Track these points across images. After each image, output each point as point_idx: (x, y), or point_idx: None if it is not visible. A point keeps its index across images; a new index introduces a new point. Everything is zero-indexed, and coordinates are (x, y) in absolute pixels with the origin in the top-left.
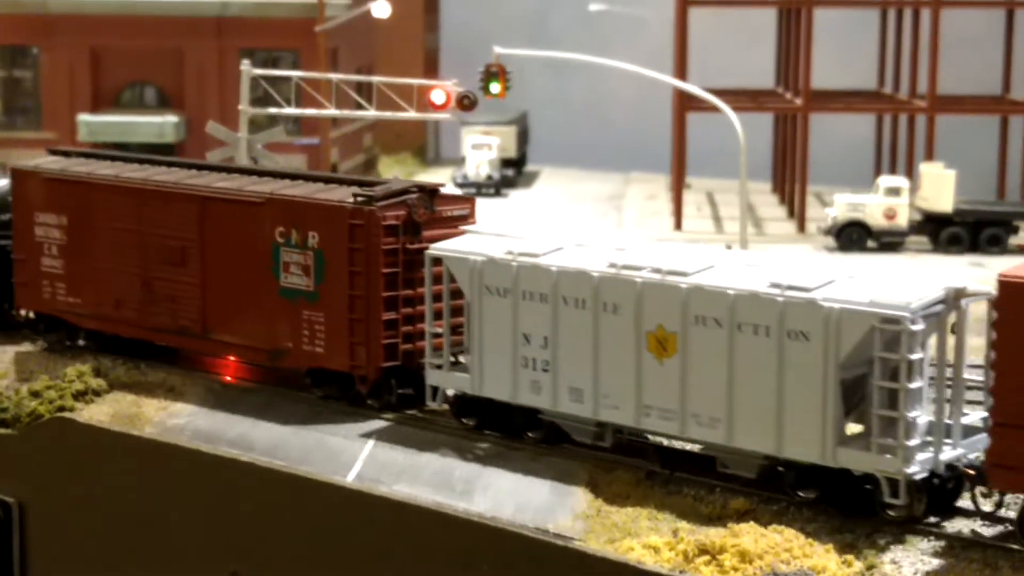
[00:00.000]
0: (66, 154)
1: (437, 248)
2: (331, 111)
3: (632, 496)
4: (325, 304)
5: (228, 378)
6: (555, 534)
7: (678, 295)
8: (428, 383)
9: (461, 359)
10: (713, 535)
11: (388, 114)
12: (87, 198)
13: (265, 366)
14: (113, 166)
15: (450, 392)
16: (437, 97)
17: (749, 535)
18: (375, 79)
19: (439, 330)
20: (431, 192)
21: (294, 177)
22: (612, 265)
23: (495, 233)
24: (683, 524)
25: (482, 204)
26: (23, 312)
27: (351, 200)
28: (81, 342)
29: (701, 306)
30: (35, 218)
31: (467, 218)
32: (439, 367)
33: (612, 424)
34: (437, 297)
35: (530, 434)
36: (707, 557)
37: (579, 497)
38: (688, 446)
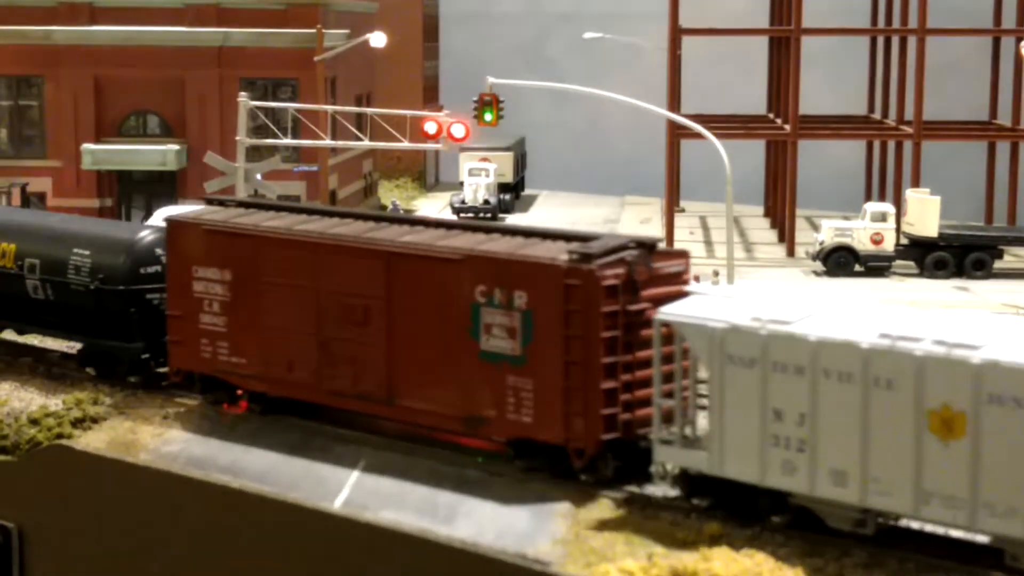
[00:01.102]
0: (222, 203)
1: (668, 312)
2: (327, 141)
3: (610, 521)
4: (534, 369)
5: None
6: (533, 559)
7: (968, 371)
8: (656, 460)
9: (687, 432)
10: (686, 559)
11: (382, 144)
12: (255, 252)
13: (458, 436)
14: (280, 217)
15: (675, 468)
16: (429, 128)
17: (721, 559)
18: (369, 110)
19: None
20: (649, 248)
21: (487, 230)
22: (885, 336)
23: (724, 294)
24: (658, 548)
25: None
26: (173, 370)
27: (565, 257)
28: (247, 404)
29: (997, 384)
30: (194, 272)
31: (682, 275)
32: (669, 442)
33: (880, 511)
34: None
35: (775, 518)
36: None
37: (559, 523)
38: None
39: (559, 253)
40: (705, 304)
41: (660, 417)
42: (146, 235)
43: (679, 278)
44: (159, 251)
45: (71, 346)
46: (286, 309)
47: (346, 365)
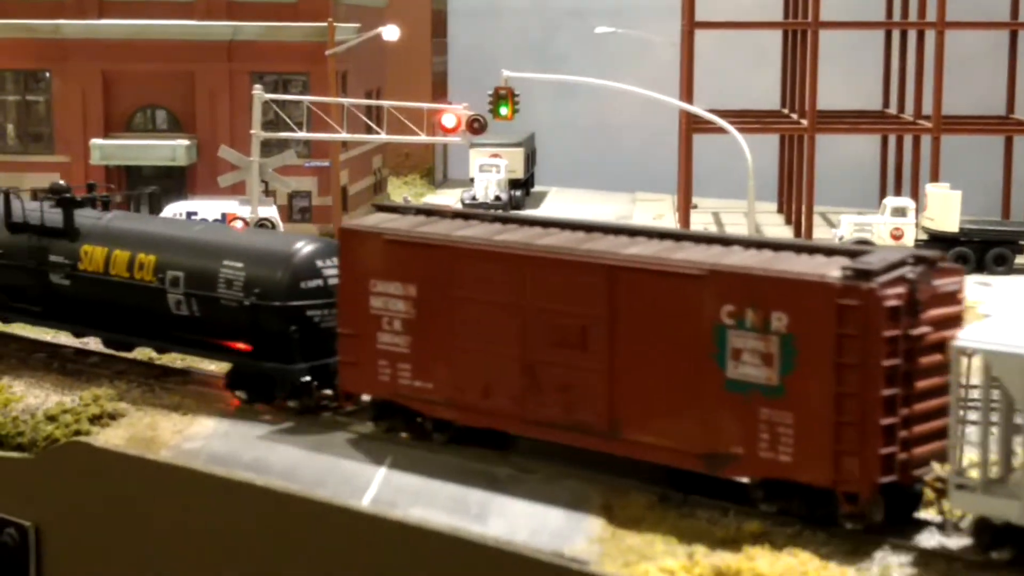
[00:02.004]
0: (396, 210)
1: (974, 339)
2: (342, 135)
3: (647, 520)
4: (795, 401)
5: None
6: (570, 558)
7: None
8: (953, 507)
9: (991, 476)
10: (728, 558)
11: (399, 137)
12: (448, 265)
13: (696, 473)
14: (471, 226)
15: (969, 516)
16: (448, 121)
17: (764, 558)
18: (385, 103)
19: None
20: (930, 263)
21: (725, 242)
22: None
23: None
24: (698, 547)
25: None
26: (343, 395)
27: (837, 274)
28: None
29: None
30: (371, 287)
31: (958, 293)
32: (966, 487)
33: None
34: (932, 392)
35: None
36: None
37: (594, 521)
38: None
39: (828, 269)
40: (1009, 329)
41: (958, 459)
42: (305, 246)
43: (955, 297)
44: (319, 263)
45: (84, 342)
46: (484, 328)
47: (557, 392)
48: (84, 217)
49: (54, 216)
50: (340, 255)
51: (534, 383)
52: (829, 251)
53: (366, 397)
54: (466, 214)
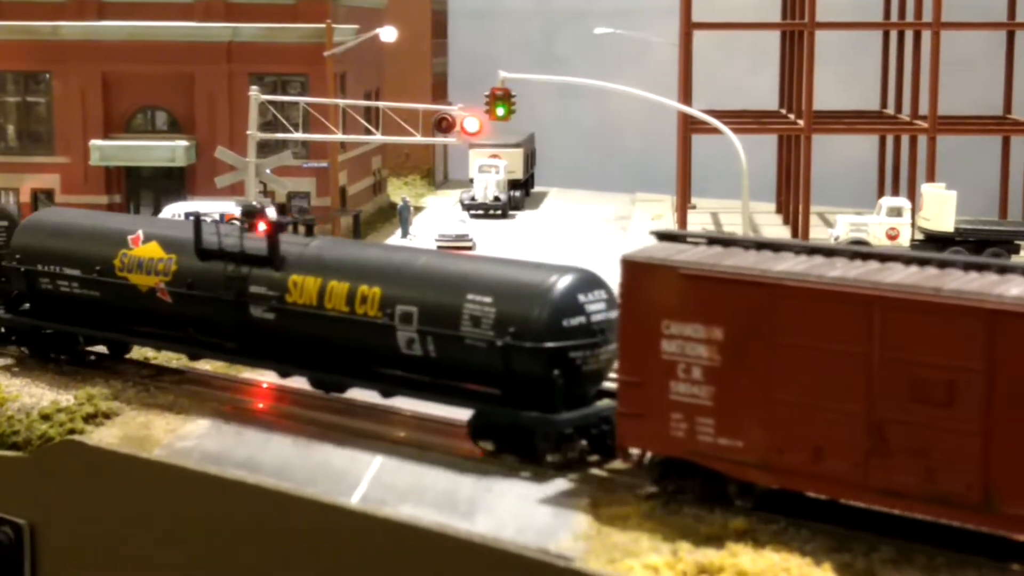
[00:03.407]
0: (677, 239)
1: None
2: (339, 136)
3: (633, 517)
4: None
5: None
6: (555, 554)
7: None
8: None
9: None
10: (712, 555)
11: (395, 138)
12: (766, 305)
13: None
14: (783, 258)
15: None
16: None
17: (747, 555)
18: (381, 104)
19: None
20: None
21: None
22: None
23: None
24: (683, 544)
25: (490, 225)
26: (623, 450)
27: None
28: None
29: None
30: (663, 329)
31: None
32: None
33: None
34: None
35: None
36: None
37: (580, 518)
38: None
39: None
40: None
41: None
42: (563, 278)
43: None
44: (581, 297)
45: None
46: (815, 380)
47: (911, 456)
48: (288, 243)
49: (256, 242)
50: (622, 290)
51: (882, 445)
52: None
53: (638, 451)
54: (773, 244)
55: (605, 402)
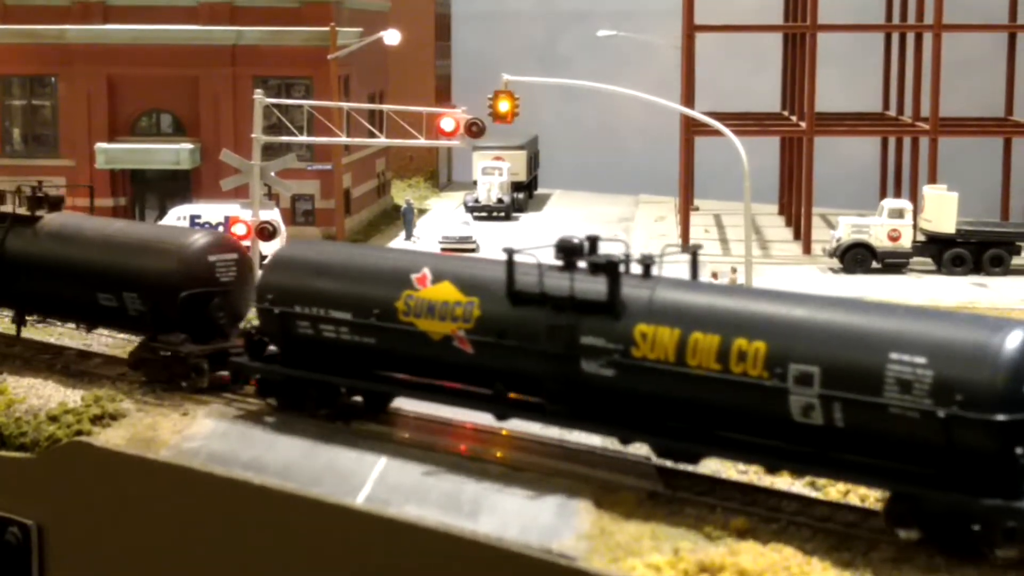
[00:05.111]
0: None
1: None
2: (342, 139)
3: (636, 516)
4: None
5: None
6: (558, 554)
7: None
8: None
9: None
10: (713, 554)
11: (398, 141)
12: None
13: None
14: None
15: None
16: (446, 125)
17: (748, 554)
18: (385, 107)
19: None
20: None
21: None
22: None
23: None
24: (684, 543)
25: (493, 227)
26: None
27: None
28: None
29: None
30: None
31: None
32: None
33: None
34: None
35: None
36: (707, 575)
37: (583, 517)
38: (691, 468)
39: None
40: None
41: None
42: (1015, 334)
43: None
44: None
45: (87, 344)
46: None
47: None
48: (629, 286)
49: (589, 284)
50: None
51: None
52: None
53: None
54: None
55: None
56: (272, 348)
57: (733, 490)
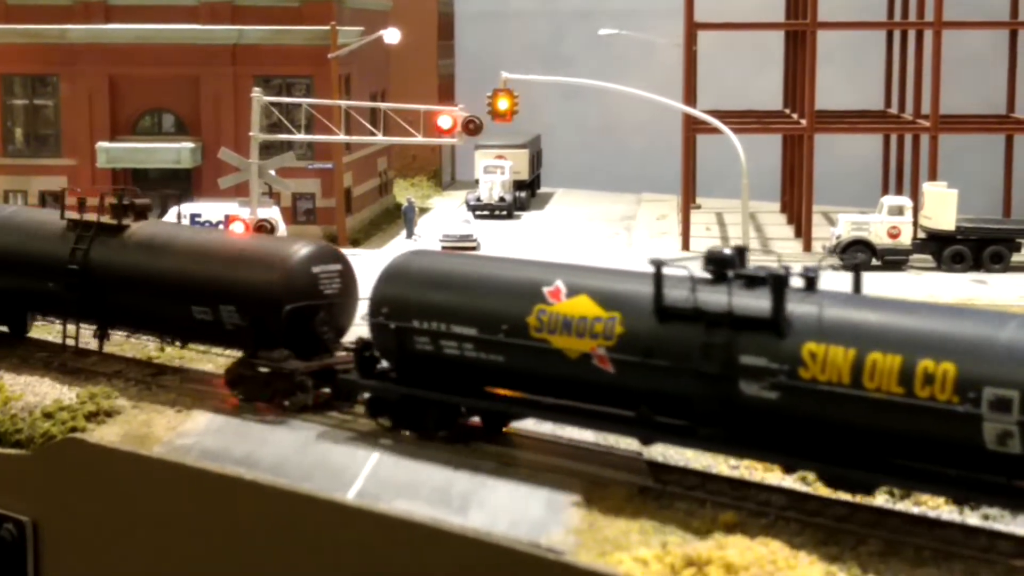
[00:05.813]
0: None
1: None
2: (340, 137)
3: (625, 511)
4: None
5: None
6: (546, 548)
7: None
8: None
9: None
10: (700, 548)
11: (396, 139)
12: None
13: None
14: None
15: None
16: (444, 123)
17: (735, 548)
18: (382, 105)
19: None
20: None
21: None
22: None
23: None
24: (673, 537)
25: (495, 226)
26: None
27: None
28: None
29: None
30: None
31: None
32: None
33: None
34: None
35: None
36: (694, 569)
37: (573, 512)
38: (684, 462)
39: None
40: None
41: None
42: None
43: None
44: None
45: (86, 342)
46: None
47: None
48: (791, 301)
49: (748, 300)
50: None
51: None
52: None
53: None
54: None
55: None
56: (383, 364)
57: (723, 484)
